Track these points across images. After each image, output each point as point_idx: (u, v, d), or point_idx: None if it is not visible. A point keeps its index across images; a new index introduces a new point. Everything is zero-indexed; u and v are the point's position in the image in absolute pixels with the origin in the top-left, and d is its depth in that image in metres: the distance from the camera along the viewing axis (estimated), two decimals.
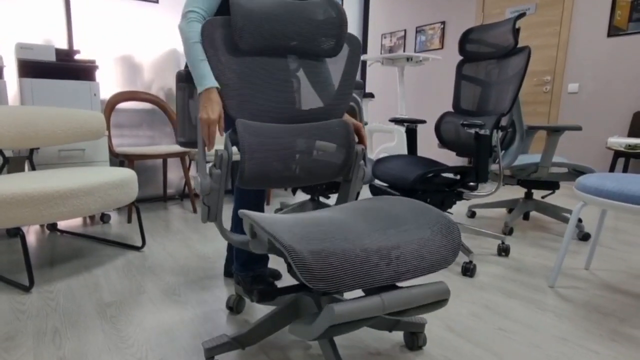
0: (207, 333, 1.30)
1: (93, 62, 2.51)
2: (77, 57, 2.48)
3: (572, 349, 1.28)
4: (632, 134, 3.59)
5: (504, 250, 2.14)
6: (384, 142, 5.97)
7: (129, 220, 2.59)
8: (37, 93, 2.27)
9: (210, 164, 1.17)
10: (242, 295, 1.41)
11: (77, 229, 2.42)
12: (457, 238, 0.92)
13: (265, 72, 1.21)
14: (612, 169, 3.47)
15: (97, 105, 2.47)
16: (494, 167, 2.43)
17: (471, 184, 2.00)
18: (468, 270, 1.85)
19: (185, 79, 1.19)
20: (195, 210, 2.88)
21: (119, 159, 2.75)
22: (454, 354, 1.23)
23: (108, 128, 2.69)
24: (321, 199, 2.54)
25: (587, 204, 1.63)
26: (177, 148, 2.79)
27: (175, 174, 3.29)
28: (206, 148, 1.16)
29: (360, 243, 0.84)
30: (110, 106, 2.76)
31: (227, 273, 1.76)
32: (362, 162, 1.37)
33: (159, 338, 1.26)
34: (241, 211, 1.02)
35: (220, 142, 2.77)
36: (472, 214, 2.95)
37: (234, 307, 1.43)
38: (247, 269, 1.47)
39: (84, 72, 2.47)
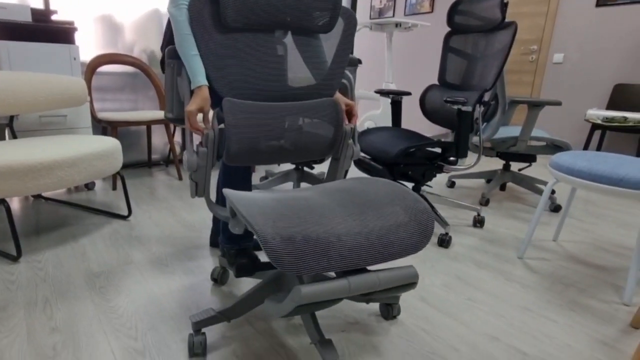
0: (194, 303, 1.37)
1: (72, 23, 2.42)
2: (54, 17, 2.39)
3: (534, 318, 1.39)
4: (611, 106, 3.67)
5: (479, 222, 2.24)
6: (369, 110, 5.96)
7: (114, 188, 2.60)
8: (13, 57, 2.20)
9: (197, 142, 1.18)
10: (226, 267, 1.47)
11: (61, 197, 2.42)
12: (430, 225, 0.97)
13: (255, 49, 1.20)
14: (588, 141, 3.57)
15: (78, 69, 2.40)
16: (474, 139, 2.49)
17: (451, 158, 2.06)
18: (444, 242, 1.95)
19: (174, 55, 1.18)
20: (180, 177, 2.89)
21: (101, 125, 2.71)
22: (425, 323, 1.33)
23: (89, 93, 2.63)
24: (305, 169, 2.58)
25: (559, 181, 1.71)
26: (162, 114, 2.76)
27: (159, 139, 3.27)
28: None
29: (332, 228, 0.88)
30: (90, 70, 2.68)
31: (213, 243, 1.82)
32: (350, 140, 1.40)
33: (147, 308, 1.33)
34: (225, 191, 1.06)
35: None
36: (451, 184, 3.04)
37: (218, 279, 1.50)
38: (232, 242, 1.52)
39: (62, 34, 2.38)
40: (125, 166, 3.16)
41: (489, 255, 1.86)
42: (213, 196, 1.81)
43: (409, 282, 0.91)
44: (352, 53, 1.48)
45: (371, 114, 4.14)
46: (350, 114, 1.40)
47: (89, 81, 2.66)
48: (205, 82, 1.16)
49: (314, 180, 2.54)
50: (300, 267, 0.80)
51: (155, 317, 1.28)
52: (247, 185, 1.57)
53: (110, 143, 1.92)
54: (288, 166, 2.91)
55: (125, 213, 2.15)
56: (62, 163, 1.65)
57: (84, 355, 1.10)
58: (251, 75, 1.21)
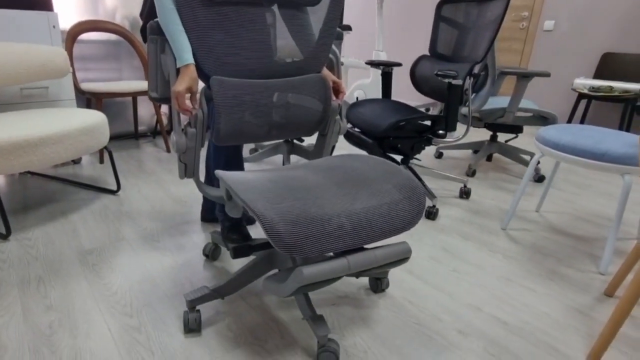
0: (187, 279, 1.40)
1: None
2: None
3: (514, 288, 1.45)
4: (598, 75, 3.68)
5: (465, 193, 2.28)
6: (359, 79, 5.88)
7: (101, 161, 2.57)
8: None
9: (185, 122, 1.17)
10: (218, 244, 1.49)
11: (48, 171, 2.39)
12: (422, 201, 1.00)
13: (242, 24, 1.17)
14: (573, 111, 3.60)
15: (58, 38, 2.31)
16: (464, 110, 2.50)
17: (440, 131, 2.07)
18: (431, 214, 1.99)
19: (158, 31, 1.14)
20: (168, 150, 2.87)
21: (85, 97, 2.64)
22: (412, 295, 1.38)
23: (72, 64, 2.55)
24: (295, 141, 2.57)
25: (544, 155, 1.74)
26: (147, 85, 2.69)
27: (146, 110, 3.20)
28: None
29: (331, 209, 0.90)
30: (71, 38, 2.58)
31: (204, 218, 1.83)
32: (337, 117, 1.40)
33: (141, 285, 1.35)
34: (217, 173, 1.06)
35: None
36: (439, 155, 3.07)
37: (210, 255, 1.52)
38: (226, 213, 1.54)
39: (39, 0, 2.27)
40: (111, 138, 3.11)
41: (474, 227, 1.91)
42: (202, 176, 1.81)
43: (403, 258, 0.95)
44: (341, 23, 1.45)
45: (361, 82, 4.09)
46: (338, 91, 1.39)
47: (70, 50, 2.56)
48: (192, 60, 1.13)
49: (304, 152, 2.54)
50: (305, 250, 0.83)
51: (149, 294, 1.31)
52: (239, 163, 1.57)
53: (96, 117, 1.89)
54: None
55: (114, 188, 2.14)
56: (48, 140, 1.62)
57: (81, 332, 1.13)
58: (238, 51, 1.18)
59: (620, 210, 1.54)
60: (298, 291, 0.87)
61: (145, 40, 2.86)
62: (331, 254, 0.89)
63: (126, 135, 3.18)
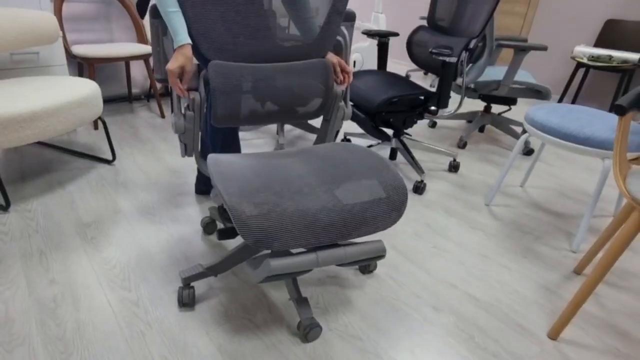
0: (182, 254, 1.48)
1: None
2: None
3: (490, 265, 1.55)
4: (599, 43, 3.62)
5: (454, 167, 2.34)
6: (357, 42, 5.73)
7: (96, 127, 2.59)
8: None
9: (185, 105, 1.20)
10: (215, 219, 1.56)
11: None
12: (404, 204, 1.04)
13: (239, 4, 1.16)
14: (570, 80, 3.58)
15: (46, 1, 2.25)
16: (459, 81, 2.50)
17: (432, 108, 2.09)
18: (418, 189, 2.06)
19: (158, 15, 1.14)
20: (163, 115, 2.87)
21: (77, 61, 2.61)
22: (394, 271, 1.48)
23: (61, 27, 2.49)
24: None
25: (531, 135, 1.78)
26: (140, 49, 2.65)
27: (139, 72, 3.17)
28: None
29: (308, 205, 0.94)
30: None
31: (198, 190, 1.89)
32: (342, 103, 1.40)
33: (138, 259, 1.44)
34: (209, 158, 1.10)
35: None
36: (433, 124, 3.09)
37: (205, 228, 1.60)
38: None
39: None
40: (104, 101, 3.10)
41: (459, 202, 1.99)
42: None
43: (376, 256, 1.01)
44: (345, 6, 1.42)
45: (358, 46, 4.02)
46: (345, 72, 1.38)
47: (59, 11, 2.50)
48: (188, 40, 1.13)
49: (297, 122, 2.56)
50: (274, 245, 0.88)
51: (146, 268, 1.39)
52: (235, 142, 1.60)
53: (89, 88, 1.89)
54: None
55: (109, 157, 2.17)
56: (42, 113, 1.63)
57: (83, 306, 1.22)
58: (237, 35, 1.17)
59: (598, 190, 1.61)
60: (266, 280, 0.94)
61: (141, 15, 2.78)
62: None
63: (120, 99, 3.16)
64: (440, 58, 1.90)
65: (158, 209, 1.75)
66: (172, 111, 1.18)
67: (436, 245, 1.64)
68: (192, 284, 1.28)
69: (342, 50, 1.48)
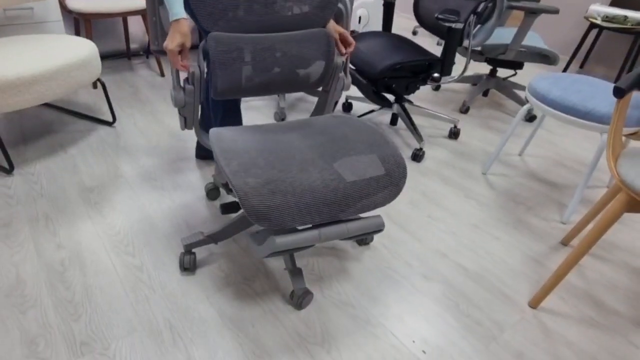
0: (184, 220, 1.53)
1: None
2: None
3: (481, 235, 1.60)
4: (615, 3, 3.47)
5: (454, 134, 2.34)
6: None
7: (95, 86, 2.57)
8: None
9: (184, 78, 1.19)
10: (219, 187, 1.60)
11: None
12: (403, 180, 1.06)
13: None
14: (581, 42, 3.47)
15: None
16: (465, 43, 2.43)
17: (435, 75, 2.06)
18: (417, 157, 2.07)
19: None
20: (162, 74, 2.83)
21: (73, 16, 2.54)
22: (388, 240, 1.53)
23: None
24: None
25: (532, 106, 1.76)
26: (137, 3, 2.57)
27: (137, 27, 3.08)
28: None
29: (310, 183, 0.96)
30: None
31: (198, 155, 1.91)
32: (341, 73, 1.39)
33: (141, 225, 1.49)
34: (211, 132, 1.12)
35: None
36: (437, 87, 3.05)
37: (207, 193, 1.64)
38: None
39: None
40: (103, 57, 3.04)
41: (456, 171, 2.01)
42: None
43: (376, 230, 1.05)
44: None
45: (364, 0, 3.86)
46: (345, 43, 1.36)
47: None
48: (184, 14, 1.11)
49: None
50: (278, 223, 0.92)
51: (148, 234, 1.45)
52: (236, 114, 1.60)
53: (87, 49, 1.86)
54: None
55: (110, 119, 2.18)
56: (40, 77, 1.63)
57: (90, 270, 1.29)
58: (235, 4, 1.15)
59: (593, 164, 1.62)
60: (271, 255, 0.99)
61: None
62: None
63: (118, 54, 3.10)
64: (446, 24, 1.84)
65: (159, 174, 1.78)
66: (171, 71, 1.18)
67: (430, 215, 1.69)
68: (193, 250, 1.34)
69: (342, 17, 1.45)
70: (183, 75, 2.49)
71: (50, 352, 1.04)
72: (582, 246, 1.18)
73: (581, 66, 3.79)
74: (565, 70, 3.60)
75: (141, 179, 1.73)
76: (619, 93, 1.05)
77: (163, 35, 1.22)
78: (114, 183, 1.70)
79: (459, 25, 1.86)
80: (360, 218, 1.05)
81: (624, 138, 2.14)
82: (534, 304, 1.30)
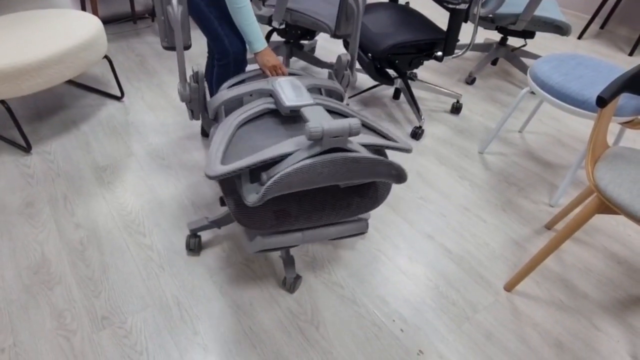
0: (190, 201, 1.64)
1: None
2: None
3: (469, 218, 1.69)
4: None
5: (456, 109, 2.36)
6: None
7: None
8: None
9: (190, 75, 1.26)
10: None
11: None
12: (387, 191, 1.13)
13: None
14: (602, 5, 3.32)
15: None
16: (475, 10, 2.38)
17: (438, 54, 2.05)
18: (416, 135, 2.12)
19: None
20: None
21: None
22: (379, 222, 1.63)
23: None
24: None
25: (531, 90, 1.77)
26: None
27: None
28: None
29: (298, 193, 1.05)
30: None
31: (204, 133, 2.00)
32: (347, 71, 1.43)
33: (150, 205, 1.61)
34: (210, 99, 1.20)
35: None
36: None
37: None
38: None
39: None
40: (107, 21, 3.04)
41: (453, 149, 2.06)
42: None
43: (360, 232, 1.15)
44: None
45: None
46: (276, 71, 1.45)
47: None
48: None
49: (304, 55, 2.53)
50: (264, 228, 1.02)
51: (158, 214, 1.58)
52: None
53: (93, 27, 1.90)
54: (278, 39, 2.82)
55: (118, 93, 2.25)
56: (49, 61, 1.69)
57: (106, 249, 1.43)
58: None
59: (587, 149, 1.66)
60: (259, 253, 1.10)
61: None
62: None
63: (123, 18, 3.09)
64: (450, 6, 1.82)
65: (167, 153, 1.88)
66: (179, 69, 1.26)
67: (422, 197, 1.77)
68: (198, 233, 1.47)
69: (353, 16, 1.44)
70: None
71: (76, 325, 1.21)
72: (566, 230, 1.22)
73: (602, 26, 3.64)
74: (584, 31, 3.47)
75: (150, 158, 1.84)
76: (602, 103, 1.09)
77: (171, 33, 1.26)
78: (125, 162, 1.81)
79: (464, 6, 1.83)
80: (343, 222, 1.14)
81: (619, 127, 2.16)
82: (509, 287, 1.41)
